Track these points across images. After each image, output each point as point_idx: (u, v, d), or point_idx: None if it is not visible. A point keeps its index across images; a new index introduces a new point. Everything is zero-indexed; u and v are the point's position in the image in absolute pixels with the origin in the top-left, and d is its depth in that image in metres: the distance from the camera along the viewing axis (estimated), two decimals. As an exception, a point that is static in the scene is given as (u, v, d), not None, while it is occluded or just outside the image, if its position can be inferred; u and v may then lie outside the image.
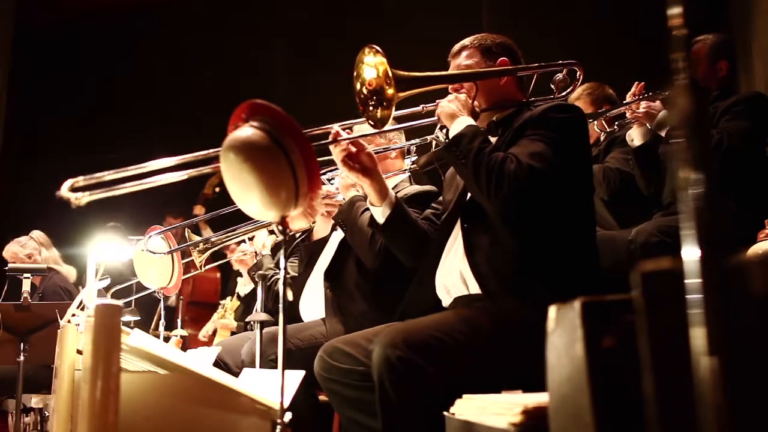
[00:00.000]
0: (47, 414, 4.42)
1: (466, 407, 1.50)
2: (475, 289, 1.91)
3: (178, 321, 3.58)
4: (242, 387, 1.61)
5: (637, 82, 2.85)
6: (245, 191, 1.55)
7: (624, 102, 2.84)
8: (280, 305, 1.55)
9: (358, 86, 1.98)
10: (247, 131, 1.53)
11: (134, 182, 1.70)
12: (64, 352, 2.21)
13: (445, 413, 1.54)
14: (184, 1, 6.50)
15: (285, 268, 1.58)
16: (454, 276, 1.96)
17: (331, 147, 2.12)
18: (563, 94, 2.18)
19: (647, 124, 2.79)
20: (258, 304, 2.27)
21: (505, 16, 4.94)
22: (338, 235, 2.75)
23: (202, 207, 5.34)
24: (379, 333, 2.02)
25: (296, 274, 2.96)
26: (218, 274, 5.06)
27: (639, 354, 1.04)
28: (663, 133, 2.75)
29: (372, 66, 1.95)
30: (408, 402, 1.63)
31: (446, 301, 2.03)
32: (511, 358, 1.74)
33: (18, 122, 6.45)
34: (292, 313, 2.72)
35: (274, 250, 2.97)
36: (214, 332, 4.39)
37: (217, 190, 5.50)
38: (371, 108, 1.96)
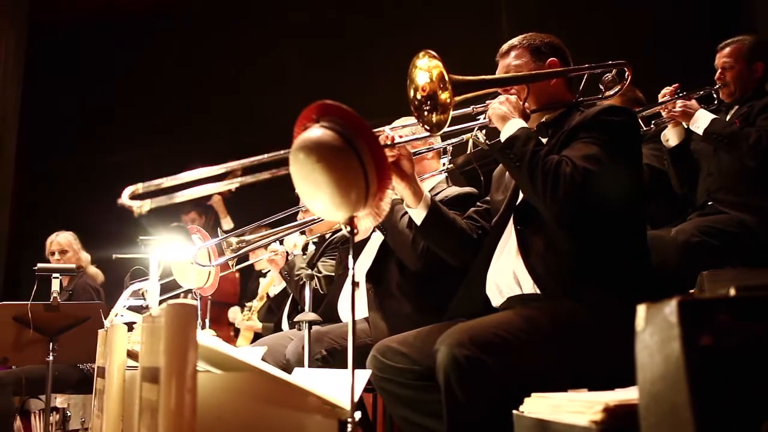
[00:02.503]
0: (69, 414, 4.44)
1: (537, 405, 1.51)
2: (528, 289, 1.92)
3: (206, 321, 3.59)
4: (310, 386, 1.62)
5: (673, 85, 2.87)
6: (315, 191, 1.56)
7: (659, 101, 2.86)
8: (351, 305, 1.55)
9: (412, 92, 1.99)
10: (319, 132, 1.54)
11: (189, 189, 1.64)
12: (113, 351, 2.21)
13: (515, 412, 1.55)
14: (194, 1, 6.51)
15: (352, 268, 1.59)
16: (507, 276, 1.97)
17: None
18: (611, 93, 2.20)
19: (683, 124, 2.80)
20: (306, 304, 2.28)
21: (524, 17, 4.95)
22: (377, 236, 2.76)
23: (217, 195, 5.39)
24: (435, 332, 2.04)
25: (331, 274, 2.97)
26: (237, 274, 5.07)
27: (740, 352, 1.06)
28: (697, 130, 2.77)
29: (425, 70, 1.96)
30: (475, 401, 1.64)
31: (497, 301, 2.04)
32: (572, 357, 1.76)
33: (32, 123, 6.45)
34: (331, 314, 2.73)
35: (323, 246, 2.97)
36: (237, 333, 4.40)
37: (234, 189, 5.51)
38: (426, 113, 1.97)
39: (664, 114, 2.82)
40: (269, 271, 4.52)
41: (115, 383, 2.20)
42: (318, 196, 1.56)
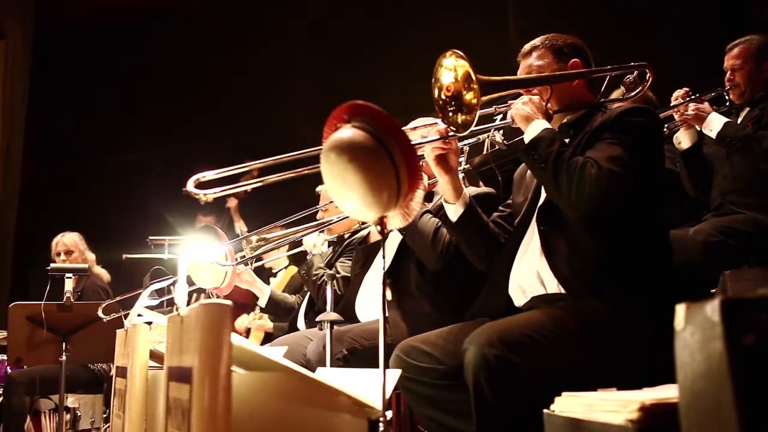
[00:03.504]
0: (80, 414, 4.44)
1: (569, 404, 1.52)
2: (552, 288, 1.93)
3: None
4: (340, 385, 1.62)
5: (683, 89, 2.88)
6: (346, 191, 1.56)
7: (672, 105, 2.87)
8: (382, 305, 1.56)
9: (437, 92, 1.99)
10: (351, 132, 1.54)
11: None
12: (136, 351, 2.22)
13: (545, 411, 1.56)
14: (201, 1, 6.52)
15: (384, 267, 1.60)
16: (530, 276, 1.98)
17: (427, 145, 2.11)
18: (632, 94, 2.21)
19: (696, 126, 2.82)
20: (328, 304, 2.28)
21: (531, 18, 4.97)
22: (393, 236, 2.76)
23: (234, 198, 5.43)
24: (459, 332, 2.05)
25: (348, 274, 2.97)
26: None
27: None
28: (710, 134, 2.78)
29: (451, 69, 1.96)
30: (504, 400, 1.64)
31: (520, 301, 2.05)
32: (598, 357, 1.77)
33: (39, 123, 6.45)
34: (349, 314, 2.73)
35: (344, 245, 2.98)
36: (247, 333, 4.40)
37: (249, 190, 5.53)
38: (451, 113, 1.98)
39: (676, 117, 2.83)
40: (279, 271, 4.54)
41: (137, 383, 2.20)
42: (349, 196, 1.57)
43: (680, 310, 1.22)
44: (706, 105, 2.77)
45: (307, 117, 6.01)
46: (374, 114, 1.55)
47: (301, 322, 3.25)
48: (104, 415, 4.67)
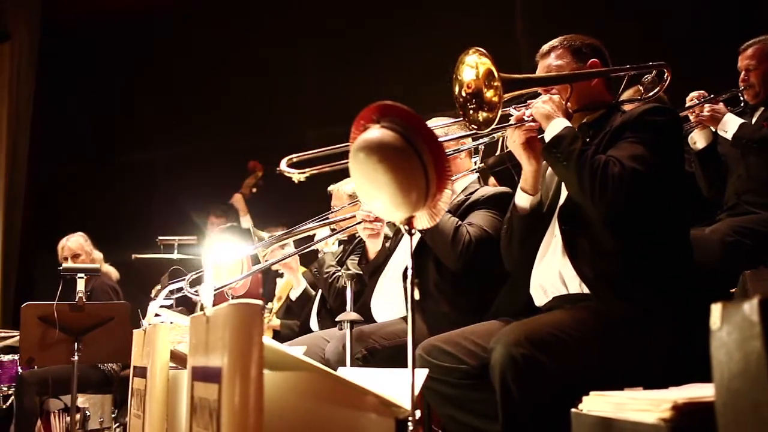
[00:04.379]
0: (89, 414, 4.44)
1: (598, 404, 1.53)
2: (574, 288, 1.94)
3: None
4: (368, 385, 1.63)
5: (699, 91, 2.89)
6: (376, 190, 1.57)
7: (687, 105, 2.88)
8: (409, 304, 1.56)
9: (457, 89, 2.00)
10: (380, 132, 1.55)
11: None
12: (156, 351, 2.22)
13: (573, 410, 1.56)
14: (208, 1, 6.52)
15: (412, 268, 1.60)
16: (552, 276, 1.99)
17: (513, 129, 2.06)
18: (650, 94, 2.21)
19: (711, 127, 2.83)
20: (348, 304, 2.28)
21: (539, 17, 4.97)
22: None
23: (240, 195, 5.44)
24: (481, 332, 2.05)
25: (361, 272, 2.97)
26: (260, 275, 5.07)
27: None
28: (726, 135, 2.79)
29: (472, 67, 1.97)
30: (531, 399, 1.65)
31: (541, 301, 2.06)
32: (623, 356, 1.78)
33: (45, 123, 6.45)
34: (364, 313, 2.73)
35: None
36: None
37: (254, 190, 5.56)
38: (471, 111, 1.98)
39: (691, 118, 2.84)
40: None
41: (158, 383, 2.20)
42: (378, 196, 1.58)
43: (716, 309, 1.23)
44: (721, 106, 2.78)
45: (311, 118, 6.02)
46: (403, 114, 1.56)
47: (314, 321, 3.25)
48: (113, 415, 4.67)
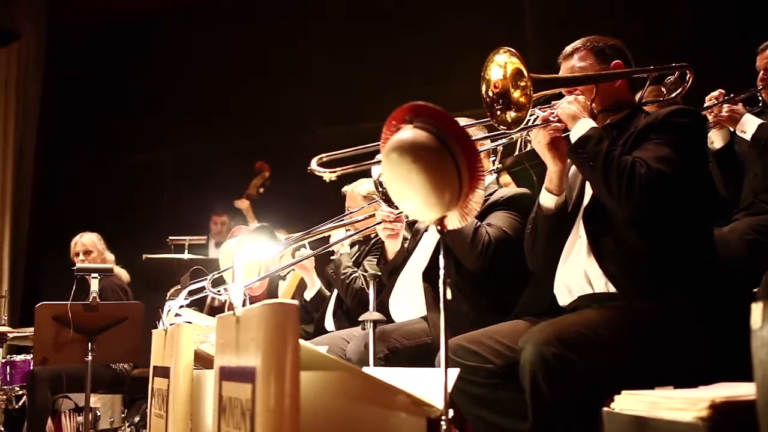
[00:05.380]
0: (99, 414, 4.44)
1: (630, 403, 1.53)
2: (600, 287, 1.95)
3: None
4: (400, 384, 1.63)
5: (718, 90, 2.90)
6: (409, 191, 1.57)
7: (705, 106, 2.89)
8: (441, 303, 1.57)
9: (484, 88, 2.00)
10: (413, 132, 1.55)
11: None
12: (180, 351, 2.23)
13: (605, 409, 1.57)
14: (215, 0, 6.53)
15: (443, 268, 1.61)
16: (577, 276, 2.00)
17: (538, 129, 2.06)
18: (673, 95, 2.22)
19: (729, 127, 2.84)
20: (371, 303, 2.29)
21: (548, 17, 4.98)
22: (428, 236, 2.78)
23: (245, 200, 5.44)
24: (507, 331, 2.06)
25: (378, 273, 2.97)
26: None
27: None
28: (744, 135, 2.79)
29: (501, 66, 1.97)
30: (562, 399, 1.66)
31: (566, 300, 2.06)
32: (652, 356, 1.78)
33: (52, 123, 6.45)
34: (382, 313, 2.74)
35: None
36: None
37: (261, 190, 5.56)
38: (499, 111, 1.99)
39: (710, 118, 2.85)
40: (288, 273, 4.52)
41: (181, 383, 2.21)
42: (411, 196, 1.58)
43: (756, 309, 1.23)
44: (740, 106, 2.79)
45: (320, 117, 6.02)
46: (436, 114, 1.56)
47: (329, 322, 3.25)
48: (123, 415, 4.67)
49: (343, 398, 1.60)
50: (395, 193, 1.62)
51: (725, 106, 2.81)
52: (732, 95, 2.84)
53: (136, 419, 4.76)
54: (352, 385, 1.61)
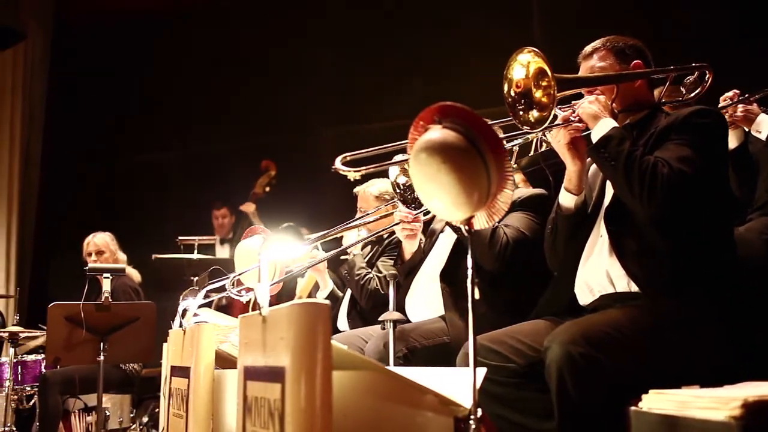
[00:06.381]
0: (109, 414, 4.44)
1: (659, 402, 1.54)
2: (622, 287, 1.96)
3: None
4: (428, 384, 1.64)
5: (733, 91, 2.90)
6: (437, 191, 1.57)
7: (720, 106, 2.89)
8: (471, 303, 1.58)
9: (506, 88, 2.01)
10: (442, 133, 1.56)
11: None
12: (201, 351, 2.23)
13: (633, 408, 1.57)
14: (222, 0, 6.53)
15: (472, 268, 1.62)
16: (599, 275, 2.00)
17: (558, 129, 2.06)
18: (692, 95, 2.23)
19: (743, 127, 2.84)
20: (391, 303, 2.30)
21: (557, 18, 4.98)
22: (445, 236, 2.78)
23: (252, 204, 5.43)
24: (528, 331, 2.07)
25: (394, 272, 2.98)
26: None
27: None
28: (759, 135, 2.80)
29: (524, 66, 1.98)
30: (588, 398, 1.66)
31: (587, 299, 2.07)
32: (678, 355, 1.79)
33: (58, 123, 6.45)
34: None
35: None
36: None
37: (267, 189, 5.57)
38: (521, 111, 1.99)
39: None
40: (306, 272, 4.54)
41: (202, 382, 2.21)
42: (440, 196, 1.58)
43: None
44: (755, 106, 2.80)
45: (326, 116, 6.02)
46: (464, 115, 1.57)
47: (342, 322, 3.25)
48: (131, 415, 4.68)
49: (372, 397, 1.61)
50: (422, 192, 1.62)
51: (740, 106, 2.82)
52: (747, 95, 2.84)
53: (145, 419, 4.77)
54: (381, 384, 1.61)
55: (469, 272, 1.61)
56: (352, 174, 1.85)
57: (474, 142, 1.55)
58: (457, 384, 1.76)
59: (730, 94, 2.87)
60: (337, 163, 1.87)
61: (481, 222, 1.65)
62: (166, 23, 6.43)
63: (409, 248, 2.77)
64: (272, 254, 1.82)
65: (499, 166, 1.57)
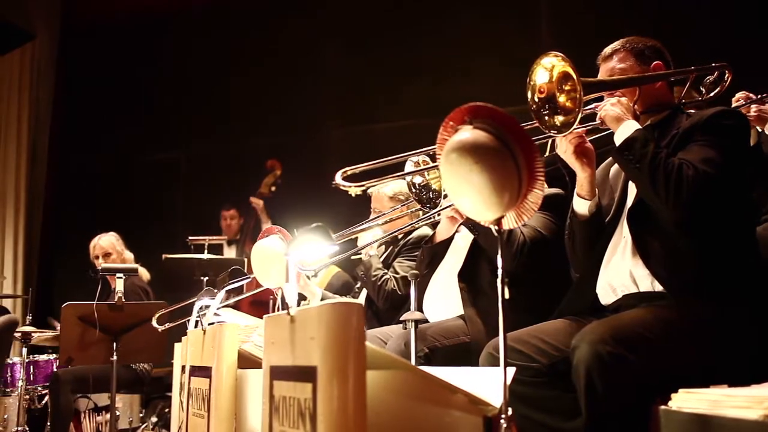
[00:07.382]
0: (119, 414, 4.44)
1: (689, 401, 1.55)
2: (645, 287, 1.97)
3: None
4: (458, 383, 1.64)
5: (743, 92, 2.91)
6: (468, 191, 1.58)
7: (733, 106, 2.90)
8: (499, 303, 1.58)
9: (530, 94, 2.01)
10: (474, 133, 1.57)
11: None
12: (223, 351, 2.23)
13: (663, 407, 1.58)
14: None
15: (501, 268, 1.63)
16: (622, 276, 2.01)
17: (561, 138, 2.08)
18: (711, 95, 2.24)
19: (757, 127, 2.86)
20: (412, 303, 2.30)
21: (565, 20, 5.00)
22: (461, 237, 2.79)
23: (260, 200, 5.46)
24: (551, 330, 2.08)
25: (407, 274, 2.99)
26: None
27: None
28: (771, 135, 2.81)
29: (548, 69, 1.98)
30: (617, 397, 1.67)
31: (609, 299, 2.08)
32: (705, 355, 1.80)
33: (65, 123, 6.44)
34: (416, 313, 2.75)
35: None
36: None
37: (273, 189, 5.58)
38: (547, 117, 1.99)
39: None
40: (319, 270, 4.53)
41: (225, 382, 2.22)
42: (470, 196, 1.59)
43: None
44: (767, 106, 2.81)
45: (333, 116, 6.03)
46: (496, 115, 1.57)
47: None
48: (140, 415, 4.68)
49: (403, 397, 1.62)
50: (453, 192, 1.63)
51: (753, 106, 2.83)
52: (760, 95, 2.86)
53: (154, 419, 4.77)
54: (411, 383, 1.62)
55: (499, 272, 1.63)
56: (353, 190, 1.83)
57: (506, 142, 1.56)
58: (484, 383, 1.77)
59: (741, 94, 2.88)
60: (338, 179, 1.84)
61: (510, 222, 1.66)
62: (173, 23, 6.43)
63: (444, 231, 2.76)
64: (300, 255, 1.83)
65: (530, 165, 1.58)
